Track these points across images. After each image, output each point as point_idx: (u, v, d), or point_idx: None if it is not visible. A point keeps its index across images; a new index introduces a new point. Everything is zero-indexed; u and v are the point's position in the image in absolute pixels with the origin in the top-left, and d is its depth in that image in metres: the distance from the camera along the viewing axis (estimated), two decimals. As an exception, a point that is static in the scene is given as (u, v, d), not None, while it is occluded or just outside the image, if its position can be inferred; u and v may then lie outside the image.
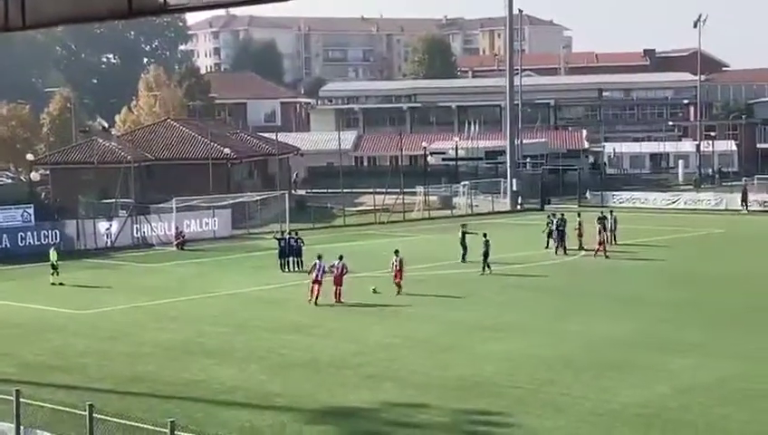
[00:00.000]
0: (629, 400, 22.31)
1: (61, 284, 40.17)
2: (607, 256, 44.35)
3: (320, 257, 35.27)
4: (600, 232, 45.00)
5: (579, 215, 48.75)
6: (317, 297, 34.28)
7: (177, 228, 53.69)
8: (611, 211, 49.16)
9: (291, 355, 27.13)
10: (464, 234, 44.58)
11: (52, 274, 40.47)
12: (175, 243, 52.54)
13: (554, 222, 47.62)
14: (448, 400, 22.55)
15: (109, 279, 42.07)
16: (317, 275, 34.41)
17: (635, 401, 22.23)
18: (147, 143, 71.32)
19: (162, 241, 53.78)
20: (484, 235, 41.65)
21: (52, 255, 40.96)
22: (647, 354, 26.61)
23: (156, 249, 52.52)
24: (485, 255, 40.85)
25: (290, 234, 44.88)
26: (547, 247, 47.41)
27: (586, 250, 45.97)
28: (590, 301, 34.81)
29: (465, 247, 44.11)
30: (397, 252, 36.45)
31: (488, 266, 40.81)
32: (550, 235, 47.61)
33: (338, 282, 34.81)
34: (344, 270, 35.04)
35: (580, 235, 46.79)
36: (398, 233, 58.70)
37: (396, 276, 35.92)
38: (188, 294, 37.57)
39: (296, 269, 42.61)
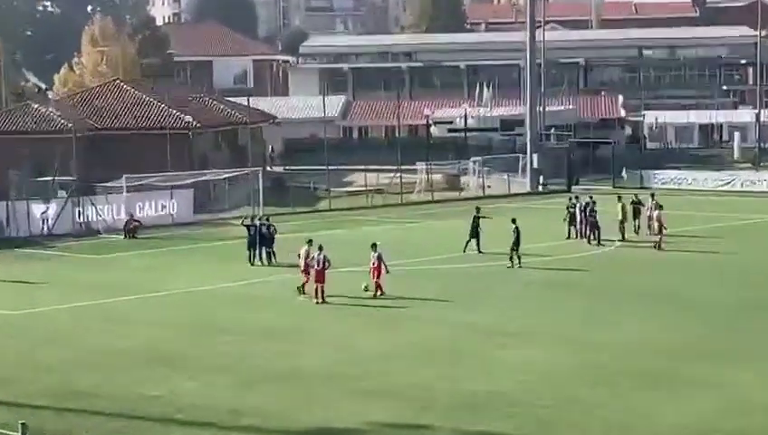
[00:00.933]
0: (674, 420, 22.29)
1: None
2: (660, 248, 44.44)
3: (310, 242, 35.54)
4: (660, 218, 45.20)
5: (636, 197, 49.07)
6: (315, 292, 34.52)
7: (129, 213, 53.57)
8: (652, 194, 49.22)
9: (264, 366, 27.07)
10: (476, 219, 44.58)
11: None
12: (125, 230, 52.46)
13: (577, 206, 47.91)
14: (456, 420, 22.50)
15: (45, 273, 41.96)
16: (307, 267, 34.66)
17: (680, 421, 22.20)
18: (92, 109, 71.05)
19: (110, 227, 53.70)
20: (513, 220, 41.91)
21: None
22: (695, 366, 26.58)
23: (102, 237, 52.43)
24: (516, 244, 41.01)
25: (260, 219, 44.78)
26: (569, 237, 47.51)
27: (626, 240, 46.34)
28: (628, 302, 34.80)
29: (477, 235, 44.13)
30: (374, 246, 36.16)
31: (518, 258, 41.02)
32: (571, 222, 47.76)
33: (319, 278, 34.78)
34: (326, 264, 34.98)
35: (624, 220, 47.11)
36: (395, 219, 58.65)
37: (374, 275, 35.66)
38: (141, 292, 37.49)
39: (269, 262, 42.58)
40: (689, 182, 70.62)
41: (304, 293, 35.43)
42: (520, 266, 40.80)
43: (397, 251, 44.91)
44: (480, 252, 43.86)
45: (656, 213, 45.73)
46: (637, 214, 48.69)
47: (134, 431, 21.68)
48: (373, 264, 35.59)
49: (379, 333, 30.48)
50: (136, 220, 53.44)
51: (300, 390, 24.84)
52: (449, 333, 30.45)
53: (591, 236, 46.75)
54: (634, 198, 49.27)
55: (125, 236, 52.07)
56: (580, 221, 47.66)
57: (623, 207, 47.81)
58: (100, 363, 27.51)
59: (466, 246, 44.37)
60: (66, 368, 27.10)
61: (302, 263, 35.57)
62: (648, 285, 37.79)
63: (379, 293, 35.33)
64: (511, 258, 41.10)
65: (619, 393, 24.23)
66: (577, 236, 47.59)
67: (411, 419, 22.60)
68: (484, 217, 44.90)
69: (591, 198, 48.87)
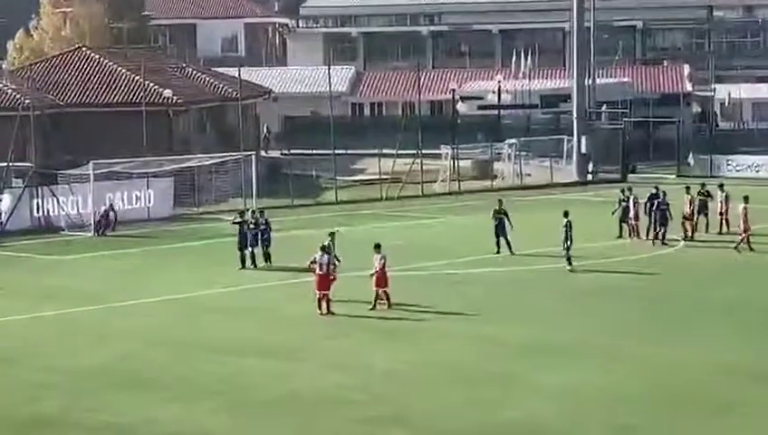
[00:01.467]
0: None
1: None
2: (740, 250, 44.79)
3: (323, 248, 35.59)
4: (745, 214, 45.43)
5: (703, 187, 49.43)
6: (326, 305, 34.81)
7: (108, 205, 53.72)
8: (721, 185, 49.33)
9: (257, 388, 27.25)
10: (499, 214, 44.80)
11: None
12: (95, 226, 52.74)
13: (630, 199, 48.16)
14: (485, 453, 22.66)
15: (-3, 278, 42.28)
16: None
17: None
18: (53, 82, 71.36)
19: (75, 223, 53.97)
20: (566, 214, 42.12)
21: None
22: (773, 390, 26.68)
23: (66, 235, 52.72)
24: (568, 242, 41.34)
25: (254, 214, 44.99)
26: (620, 236, 47.60)
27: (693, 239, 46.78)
28: (693, 313, 34.87)
29: (504, 234, 44.44)
30: (378, 247, 36.29)
31: (569, 260, 41.46)
32: (624, 218, 47.86)
33: (323, 285, 34.96)
34: (332, 267, 35.15)
35: (689, 218, 47.38)
36: (414, 213, 58.76)
37: (377, 283, 35.69)
38: (111, 301, 37.71)
39: (266, 263, 42.83)
40: (757, 169, 70.62)
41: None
42: (571, 270, 41.06)
43: (415, 252, 45.17)
44: (512, 253, 44.05)
45: (741, 207, 45.71)
46: (703, 208, 48.77)
47: (103, 466, 21.91)
48: (376, 269, 35.60)
49: (393, 351, 30.60)
50: (113, 216, 53.70)
51: (297, 417, 25.00)
52: (477, 350, 30.56)
53: (658, 234, 46.81)
54: (701, 190, 49.35)
55: (97, 233, 52.36)
56: (636, 216, 47.73)
57: (692, 200, 47.88)
58: (63, 385, 27.69)
59: (498, 246, 44.51)
60: (25, 391, 27.27)
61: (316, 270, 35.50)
62: (719, 293, 37.84)
63: (381, 305, 35.27)
64: (568, 259, 41.32)
65: (683, 423, 24.31)
66: (630, 235, 47.68)
67: (432, 452, 22.81)
68: (502, 214, 44.96)
69: (657, 188, 48.93)
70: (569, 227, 41.50)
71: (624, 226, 48.10)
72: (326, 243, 36.58)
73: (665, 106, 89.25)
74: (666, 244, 46.40)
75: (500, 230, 44.71)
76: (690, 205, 48.00)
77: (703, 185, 50.32)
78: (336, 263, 35.91)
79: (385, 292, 35.54)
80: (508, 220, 44.76)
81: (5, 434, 24.17)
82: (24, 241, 51.07)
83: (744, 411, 25.09)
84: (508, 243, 44.48)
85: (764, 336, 31.77)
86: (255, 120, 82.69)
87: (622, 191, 49.95)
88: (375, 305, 35.38)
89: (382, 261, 35.59)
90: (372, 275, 35.64)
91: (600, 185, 69.31)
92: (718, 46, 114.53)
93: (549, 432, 23.86)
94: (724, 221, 48.32)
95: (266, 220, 44.01)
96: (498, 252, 44.53)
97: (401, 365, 29.12)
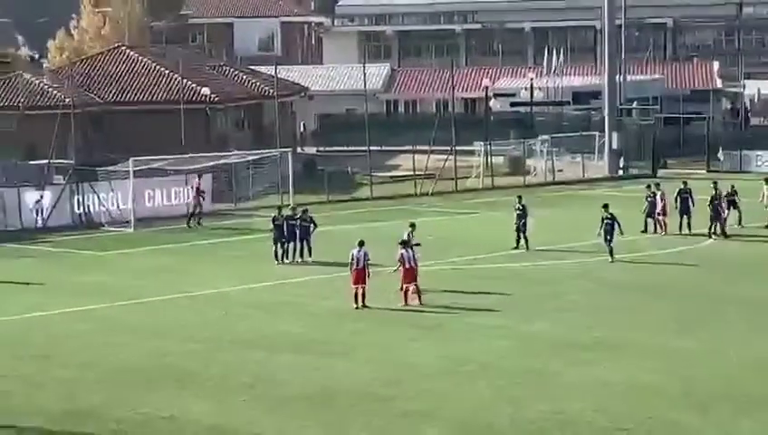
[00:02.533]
0: (782, 451, 22.09)
1: None
2: None
3: (360, 243, 35.52)
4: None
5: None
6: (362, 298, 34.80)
7: (196, 187, 54.09)
8: (766, 179, 49.10)
9: (293, 384, 27.13)
10: (522, 210, 44.87)
11: None
12: (191, 213, 53.14)
13: (657, 194, 48.06)
14: (519, 449, 22.44)
15: (39, 273, 42.34)
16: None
17: (789, 452, 22.00)
18: (93, 80, 71.69)
19: (114, 219, 54.07)
20: (605, 206, 42.22)
21: None
22: (807, 385, 26.35)
23: (105, 231, 52.84)
24: (611, 234, 41.50)
25: (294, 210, 44.88)
26: (645, 231, 47.36)
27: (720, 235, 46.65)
28: (727, 307, 34.61)
29: (523, 229, 44.51)
30: (404, 243, 35.81)
31: (611, 252, 41.66)
32: (650, 213, 47.56)
33: (359, 279, 34.82)
34: (366, 261, 34.99)
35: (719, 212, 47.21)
36: (448, 208, 58.63)
37: (407, 277, 35.28)
38: (150, 296, 37.73)
39: (299, 259, 42.74)
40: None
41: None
42: (611, 261, 41.18)
43: (449, 247, 45.02)
44: (527, 249, 44.10)
45: None
46: (733, 205, 48.34)
47: (141, 460, 21.79)
48: (408, 263, 35.27)
49: (427, 346, 30.46)
50: (202, 191, 54.14)
51: (333, 412, 24.88)
52: (511, 345, 30.39)
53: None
54: (730, 190, 48.92)
55: (188, 225, 52.77)
56: (663, 211, 47.45)
57: (721, 196, 47.52)
58: (102, 379, 27.69)
59: (526, 241, 44.35)
60: (63, 385, 27.30)
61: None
62: (754, 287, 37.54)
63: (409, 302, 34.97)
64: (610, 252, 41.42)
65: (718, 417, 24.05)
66: (656, 230, 47.37)
67: (466, 447, 22.59)
68: (522, 212, 44.86)
69: (686, 183, 49.00)
70: (612, 219, 41.72)
71: (650, 220, 47.81)
72: (405, 236, 36.81)
73: (695, 102, 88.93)
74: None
75: (521, 226, 44.56)
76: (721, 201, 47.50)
77: (732, 186, 49.82)
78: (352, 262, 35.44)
79: (416, 286, 35.26)
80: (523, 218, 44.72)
81: (43, 427, 24.10)
82: (64, 237, 51.25)
83: (777, 407, 24.80)
84: (526, 239, 44.52)
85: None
86: (291, 117, 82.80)
87: (648, 187, 49.66)
88: (406, 301, 35.16)
89: (410, 256, 35.35)
90: (395, 270, 35.44)
91: (631, 180, 68.90)
92: (747, 43, 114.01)
93: (580, 425, 23.61)
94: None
95: (310, 217, 43.82)
96: (516, 247, 44.33)
97: (434, 360, 28.98)
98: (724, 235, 46.59)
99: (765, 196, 49.09)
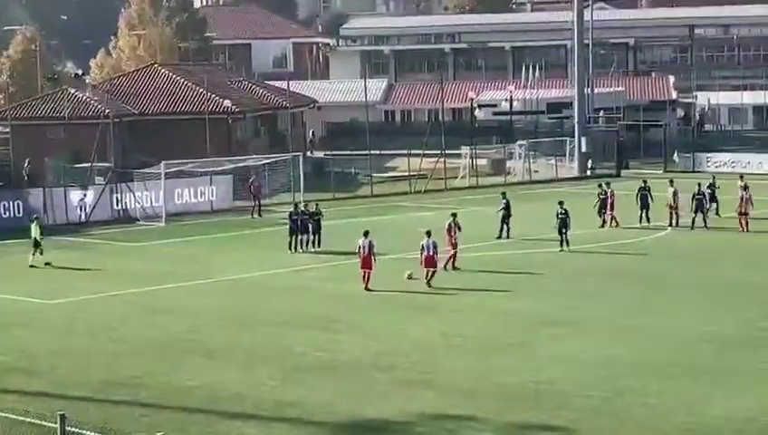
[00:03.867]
0: (729, 413, 22.17)
1: (47, 264, 40.81)
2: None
3: (366, 233, 35.63)
4: (743, 199, 45.88)
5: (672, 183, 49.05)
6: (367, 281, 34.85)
7: (256, 185, 54.52)
8: (742, 176, 49.24)
9: (307, 356, 27.21)
10: (507, 205, 45.11)
11: (34, 253, 41.12)
12: (254, 205, 53.48)
13: (608, 192, 47.82)
14: (501, 411, 22.53)
15: (83, 262, 42.35)
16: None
17: (736, 414, 22.09)
18: (129, 94, 71.54)
19: (148, 215, 54.07)
20: (560, 203, 42.27)
21: (34, 229, 41.59)
22: (753, 356, 26.45)
23: (140, 225, 52.83)
24: (567, 227, 41.56)
25: (306, 206, 44.95)
26: (603, 225, 47.28)
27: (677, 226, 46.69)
28: (682, 290, 34.65)
29: (507, 221, 44.87)
30: (429, 233, 36.10)
31: (566, 242, 41.57)
32: (602, 208, 47.48)
33: (366, 264, 34.91)
34: (372, 249, 35.06)
35: (675, 206, 47.14)
36: (439, 205, 58.56)
37: (427, 263, 35.34)
38: (181, 281, 37.76)
39: (313, 248, 42.78)
40: (744, 165, 69.78)
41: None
42: (562, 250, 41.13)
43: (439, 238, 44.95)
44: (509, 237, 44.45)
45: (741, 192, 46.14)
46: (713, 198, 48.68)
47: (176, 424, 21.87)
48: (427, 252, 35.35)
49: (424, 323, 30.54)
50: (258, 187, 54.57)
51: (343, 381, 24.96)
52: (496, 322, 30.46)
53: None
54: (711, 182, 49.51)
55: (252, 216, 53.40)
56: (612, 206, 47.26)
57: (675, 192, 47.49)
58: (140, 353, 27.77)
59: (508, 231, 44.58)
60: (106, 358, 27.37)
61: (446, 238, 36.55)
62: (704, 271, 37.62)
63: (431, 281, 35.28)
64: (561, 242, 41.32)
65: (672, 385, 24.13)
66: (610, 224, 47.17)
67: (457, 410, 22.65)
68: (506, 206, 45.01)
69: (645, 181, 49.05)
70: (566, 214, 41.70)
71: (605, 215, 47.55)
72: (449, 222, 38.27)
73: (653, 111, 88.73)
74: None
75: (505, 218, 44.77)
76: (674, 197, 47.44)
77: (713, 179, 50.58)
78: (373, 246, 35.59)
79: (434, 272, 35.33)
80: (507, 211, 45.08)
81: (89, 395, 24.17)
82: (105, 230, 51.20)
83: (723, 375, 24.87)
84: (509, 229, 44.76)
85: (740, 310, 31.49)
86: (302, 125, 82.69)
87: (599, 185, 49.48)
88: (429, 282, 35.25)
89: (434, 245, 35.53)
90: (423, 257, 35.45)
91: (598, 179, 68.58)
92: (699, 59, 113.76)
93: (553, 393, 23.72)
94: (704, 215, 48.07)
95: (320, 211, 43.91)
96: (500, 237, 44.56)
97: (431, 336, 29.05)
98: (705, 225, 46.38)
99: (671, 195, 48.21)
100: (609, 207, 47.50)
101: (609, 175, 68.13)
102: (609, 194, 47.91)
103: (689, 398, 23.15)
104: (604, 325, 29.80)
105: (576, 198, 50.46)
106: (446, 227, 38.90)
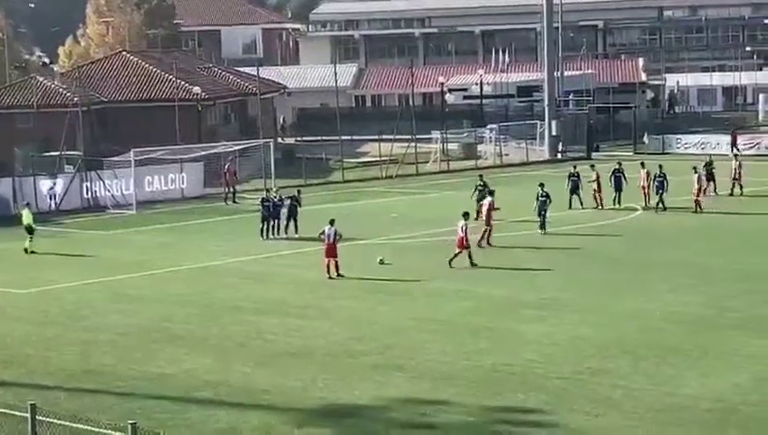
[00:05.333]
0: (699, 392, 22.32)
1: (32, 252, 40.83)
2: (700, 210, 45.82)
3: (331, 221, 35.52)
4: (699, 179, 46.47)
5: (593, 167, 49.93)
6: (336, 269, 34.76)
7: (232, 171, 54.42)
8: (735, 155, 50.01)
9: (279, 342, 27.18)
10: (483, 188, 45.08)
11: (30, 239, 41.26)
12: (226, 192, 53.39)
13: (579, 175, 48.26)
14: (475, 394, 22.58)
15: (53, 251, 42.13)
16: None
17: (706, 393, 22.23)
18: (98, 82, 71.19)
19: (119, 203, 53.84)
20: (541, 185, 42.58)
21: (26, 216, 41.46)
22: (721, 336, 26.62)
23: (111, 213, 52.61)
24: (545, 209, 41.98)
25: (277, 192, 44.85)
26: (570, 208, 47.41)
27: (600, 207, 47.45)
28: (652, 271, 34.82)
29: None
30: (466, 215, 36.51)
31: (544, 226, 41.93)
32: (574, 191, 47.64)
33: (331, 253, 34.83)
34: (336, 237, 34.99)
35: (599, 190, 47.67)
36: (410, 189, 58.64)
37: (460, 244, 35.66)
38: (152, 268, 37.64)
39: (285, 235, 42.69)
40: (713, 146, 70.16)
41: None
42: (544, 233, 41.46)
43: (410, 223, 45.09)
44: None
45: (695, 176, 46.60)
46: (710, 177, 49.96)
47: (150, 411, 21.80)
48: (460, 233, 35.63)
49: (394, 308, 30.55)
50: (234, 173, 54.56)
51: (316, 367, 24.94)
52: (467, 306, 30.50)
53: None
54: (708, 161, 50.88)
55: (226, 202, 53.37)
56: (615, 187, 47.74)
57: (648, 174, 47.79)
58: (112, 342, 27.66)
59: (478, 214, 44.69)
60: (78, 347, 27.25)
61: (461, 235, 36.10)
62: (673, 253, 37.80)
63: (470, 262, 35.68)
64: (541, 225, 41.77)
65: (643, 365, 24.25)
66: (581, 205, 47.46)
67: (429, 394, 22.69)
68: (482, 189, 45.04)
69: (620, 163, 49.47)
70: (546, 196, 41.99)
71: (574, 197, 47.69)
72: (486, 201, 39.01)
73: (623, 94, 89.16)
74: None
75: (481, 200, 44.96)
76: (647, 178, 47.84)
77: (710, 158, 52.16)
78: (340, 235, 35.55)
79: (469, 251, 35.59)
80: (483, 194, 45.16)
81: (61, 384, 24.05)
82: (75, 219, 51.01)
83: (693, 355, 25.03)
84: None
85: (709, 291, 31.68)
86: (272, 112, 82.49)
87: (574, 167, 49.78)
88: (472, 263, 35.56)
89: (465, 227, 35.75)
90: (458, 239, 35.77)
91: (569, 162, 68.93)
92: (668, 42, 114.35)
93: (527, 374, 23.79)
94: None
95: (298, 198, 43.76)
96: (477, 218, 44.63)
97: (402, 320, 29.06)
98: (664, 207, 46.67)
99: (734, 170, 50.44)
100: (597, 188, 47.77)
101: (581, 158, 68.39)
102: (595, 176, 48.10)
103: (660, 378, 23.28)
104: (576, 307, 29.91)
105: (549, 181, 50.52)
106: (486, 205, 39.89)
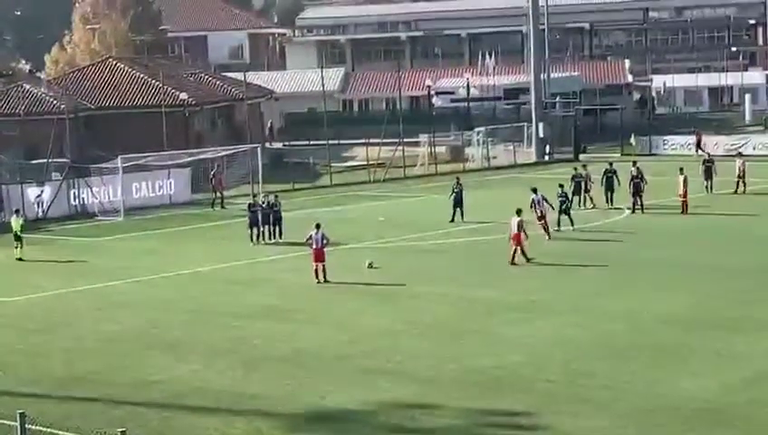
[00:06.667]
0: (687, 393, 22.34)
1: (19, 259, 40.85)
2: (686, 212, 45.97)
3: (318, 226, 35.43)
4: (686, 180, 46.42)
5: (585, 167, 50.44)
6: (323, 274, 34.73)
7: (219, 177, 54.61)
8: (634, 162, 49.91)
9: (267, 347, 27.15)
10: (459, 190, 45.62)
11: (17, 247, 41.19)
12: (214, 197, 53.55)
13: (583, 174, 48.55)
14: (462, 398, 22.57)
15: (40, 258, 42.04)
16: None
17: (694, 394, 22.25)
18: (84, 89, 71.04)
19: (106, 209, 53.72)
20: (561, 186, 43.20)
21: (15, 223, 41.44)
22: (709, 336, 26.64)
23: (98, 220, 52.48)
24: (568, 209, 42.76)
25: (265, 197, 44.80)
26: (579, 206, 47.46)
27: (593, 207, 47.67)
28: (638, 271, 34.84)
29: (457, 205, 45.42)
30: (519, 211, 36.76)
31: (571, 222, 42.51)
32: (576, 192, 47.65)
33: (319, 257, 34.79)
34: (324, 242, 34.95)
35: (587, 190, 48.09)
36: (398, 193, 58.64)
37: (515, 241, 36.10)
38: (139, 275, 37.56)
39: (273, 240, 42.64)
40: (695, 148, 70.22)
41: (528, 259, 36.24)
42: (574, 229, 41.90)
43: (398, 226, 45.11)
44: (463, 220, 45.28)
45: (681, 177, 46.52)
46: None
47: (138, 418, 21.75)
48: (514, 230, 36.06)
49: (382, 312, 30.52)
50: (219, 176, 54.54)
51: (303, 371, 24.91)
52: (454, 310, 30.49)
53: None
54: (707, 158, 52.68)
55: (213, 207, 53.39)
56: (607, 187, 47.89)
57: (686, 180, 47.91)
58: (99, 349, 27.59)
59: (454, 216, 44.96)
60: (65, 354, 27.17)
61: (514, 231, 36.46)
62: (659, 253, 37.81)
63: (515, 260, 36.08)
64: (568, 223, 42.31)
65: (631, 366, 24.25)
66: (588, 204, 47.72)
67: (417, 397, 22.67)
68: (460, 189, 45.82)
69: (611, 164, 49.83)
70: (565, 197, 42.83)
71: (576, 198, 47.81)
72: (532, 197, 39.32)
73: (609, 95, 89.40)
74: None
75: (457, 203, 45.35)
76: (684, 185, 47.57)
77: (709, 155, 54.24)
78: (328, 240, 35.52)
79: (521, 247, 36.06)
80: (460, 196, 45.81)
81: (48, 392, 23.96)
82: (62, 226, 50.90)
83: (681, 356, 25.05)
84: (462, 213, 45.37)
85: (697, 291, 31.73)
86: (260, 117, 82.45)
87: (575, 169, 50.02)
88: (513, 260, 35.98)
89: (519, 224, 36.14)
90: (511, 236, 36.29)
91: (556, 164, 69.19)
92: (654, 43, 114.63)
93: (514, 377, 23.80)
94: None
95: (279, 203, 43.77)
96: (453, 220, 44.87)
97: (389, 324, 29.05)
98: (642, 209, 46.67)
99: (738, 169, 51.19)
100: (586, 188, 48.09)
101: (569, 160, 68.58)
102: (586, 176, 48.24)
103: (648, 379, 23.29)
104: (563, 308, 29.91)
105: (537, 183, 50.54)
106: (530, 202, 40.37)
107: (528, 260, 36.12)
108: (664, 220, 45.14)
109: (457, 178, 47.53)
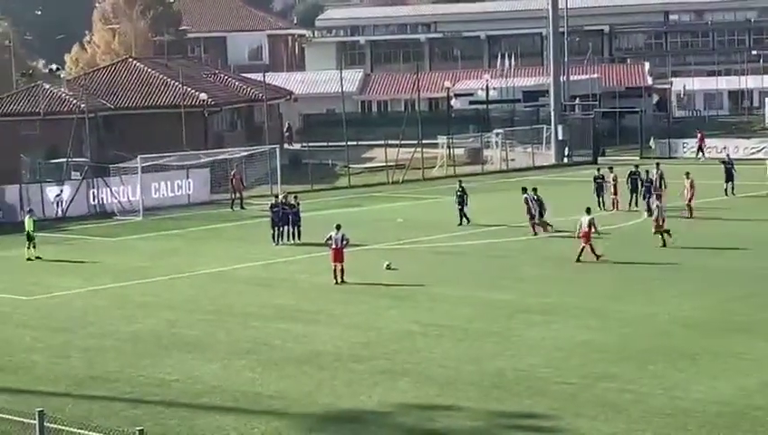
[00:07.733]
0: (707, 396, 22.28)
1: (38, 258, 41.02)
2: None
3: (338, 227, 35.38)
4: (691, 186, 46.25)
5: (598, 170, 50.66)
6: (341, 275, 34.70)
7: (238, 177, 54.60)
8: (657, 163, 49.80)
9: (286, 348, 27.18)
10: (462, 193, 45.88)
11: (28, 247, 41.33)
12: (233, 198, 53.36)
13: (610, 177, 48.31)
14: (481, 400, 22.56)
15: (60, 257, 42.20)
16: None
17: (714, 397, 22.19)
18: (104, 89, 71.28)
19: (125, 209, 53.91)
20: (531, 190, 43.17)
21: (28, 223, 41.65)
22: (728, 340, 26.56)
23: (118, 219, 52.67)
24: (540, 214, 42.56)
25: (286, 198, 44.87)
26: (602, 209, 47.41)
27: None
28: (657, 275, 34.74)
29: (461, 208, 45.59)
30: (588, 210, 37.40)
31: (540, 226, 42.41)
32: (599, 193, 48.02)
33: (338, 258, 34.81)
34: (344, 242, 34.97)
35: (614, 193, 48.08)
36: (416, 195, 58.64)
37: (585, 238, 36.42)
38: (158, 275, 37.66)
39: (293, 240, 42.66)
40: (719, 150, 70.01)
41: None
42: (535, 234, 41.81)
43: (417, 227, 45.11)
44: (461, 223, 45.34)
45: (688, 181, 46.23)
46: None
47: (157, 417, 21.83)
48: (584, 227, 36.49)
49: (400, 313, 30.53)
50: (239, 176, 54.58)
51: (322, 372, 24.94)
52: (472, 311, 30.47)
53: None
54: (726, 159, 52.67)
55: (232, 208, 53.30)
56: (632, 189, 48.07)
57: (661, 177, 47.95)
58: (119, 348, 27.68)
59: (467, 218, 45.09)
60: (84, 353, 27.27)
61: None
62: (678, 257, 37.67)
63: (597, 255, 36.45)
64: (537, 226, 42.10)
65: (650, 370, 24.20)
66: (605, 206, 47.67)
67: (436, 399, 22.68)
68: (463, 192, 45.98)
69: (637, 166, 49.84)
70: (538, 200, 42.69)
71: (600, 200, 47.95)
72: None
73: (629, 98, 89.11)
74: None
75: (462, 205, 45.77)
76: (660, 180, 47.71)
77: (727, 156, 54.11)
78: (347, 240, 35.53)
79: (590, 245, 36.47)
80: (467, 197, 46.04)
81: (68, 390, 24.07)
82: (82, 225, 51.08)
83: (700, 359, 24.99)
84: (466, 215, 45.63)
85: (716, 295, 31.63)
86: (279, 117, 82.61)
87: (598, 170, 50.11)
88: (579, 257, 36.41)
89: (590, 222, 36.58)
90: (580, 234, 36.76)
91: (575, 167, 69.10)
92: (674, 46, 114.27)
93: (533, 380, 23.77)
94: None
95: (298, 204, 43.83)
96: (460, 223, 44.90)
97: (408, 325, 29.05)
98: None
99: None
100: (613, 191, 48.18)
101: (587, 162, 68.50)
102: (612, 178, 48.40)
103: (667, 383, 23.24)
104: (582, 311, 29.87)
105: (555, 186, 50.62)
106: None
107: (598, 258, 36.34)
108: (682, 224, 44.88)
109: (459, 182, 47.58)
